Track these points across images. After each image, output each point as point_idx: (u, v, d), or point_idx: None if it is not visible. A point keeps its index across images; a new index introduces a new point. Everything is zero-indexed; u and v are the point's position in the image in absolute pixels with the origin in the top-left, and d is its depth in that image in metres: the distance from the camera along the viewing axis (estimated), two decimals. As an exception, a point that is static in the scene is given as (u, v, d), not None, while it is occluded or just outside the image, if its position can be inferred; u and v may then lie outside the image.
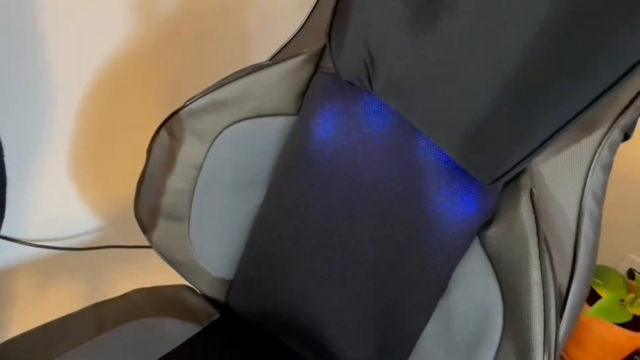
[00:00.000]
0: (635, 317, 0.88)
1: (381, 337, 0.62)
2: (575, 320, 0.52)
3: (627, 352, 0.92)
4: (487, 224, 0.52)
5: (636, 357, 0.98)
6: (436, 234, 0.56)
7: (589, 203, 0.50)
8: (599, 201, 0.51)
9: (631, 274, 1.04)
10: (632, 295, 0.90)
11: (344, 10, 0.54)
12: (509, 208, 0.50)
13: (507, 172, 0.48)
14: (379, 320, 0.62)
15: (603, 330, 0.89)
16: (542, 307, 0.46)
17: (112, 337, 0.67)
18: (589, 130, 0.49)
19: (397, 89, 0.53)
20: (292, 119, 0.64)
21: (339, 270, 0.64)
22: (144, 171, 0.67)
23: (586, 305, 0.86)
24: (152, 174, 0.67)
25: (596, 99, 0.43)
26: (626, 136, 0.50)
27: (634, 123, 0.49)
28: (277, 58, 0.66)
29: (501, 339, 0.49)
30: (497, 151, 0.48)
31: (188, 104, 0.62)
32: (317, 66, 0.61)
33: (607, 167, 0.51)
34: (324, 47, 0.59)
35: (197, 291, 0.77)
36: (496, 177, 0.48)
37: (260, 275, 0.72)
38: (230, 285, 0.75)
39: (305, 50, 0.61)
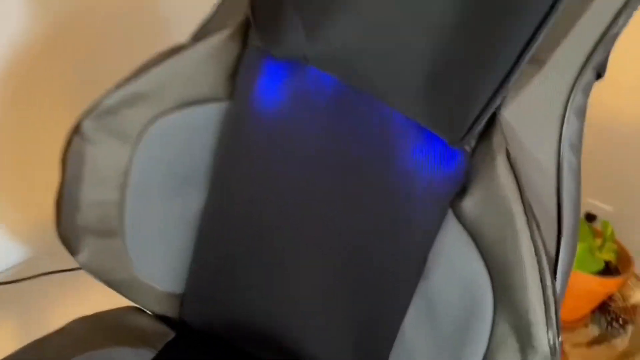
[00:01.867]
0: (605, 262, 0.86)
1: (358, 333, 0.56)
2: (566, 285, 0.48)
3: (600, 299, 0.91)
4: (461, 194, 0.46)
5: (608, 302, 0.97)
6: (404, 210, 0.50)
7: (567, 154, 0.46)
8: (577, 150, 0.47)
9: (589, 216, 1.02)
10: (599, 241, 0.88)
11: None
12: (485, 173, 0.44)
13: (476, 120, 0.42)
14: (352, 315, 0.56)
15: (575, 280, 0.87)
16: (538, 280, 0.41)
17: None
18: (558, 74, 0.44)
19: (338, 57, 0.46)
20: (226, 103, 0.56)
21: (302, 263, 0.58)
22: (60, 186, 0.58)
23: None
24: (71, 187, 0.58)
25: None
26: (598, 75, 0.45)
27: (606, 60, 0.45)
28: (198, 36, 0.57)
29: (494, 320, 0.44)
30: (460, 98, 0.42)
31: (101, 102, 0.53)
32: (245, 40, 0.53)
33: (582, 113, 0.46)
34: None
35: (146, 311, 0.69)
36: (464, 130, 0.43)
37: (216, 282, 0.65)
38: (182, 299, 0.67)
39: (229, 23, 0.53)
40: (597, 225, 0.96)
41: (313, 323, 0.59)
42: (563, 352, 0.88)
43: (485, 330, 0.45)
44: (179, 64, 0.53)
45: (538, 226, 0.43)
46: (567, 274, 0.47)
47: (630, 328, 0.94)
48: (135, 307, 0.69)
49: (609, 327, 0.93)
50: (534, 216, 0.43)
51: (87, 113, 0.54)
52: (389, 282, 0.52)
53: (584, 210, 1.05)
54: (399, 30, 0.43)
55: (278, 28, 0.47)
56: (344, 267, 0.55)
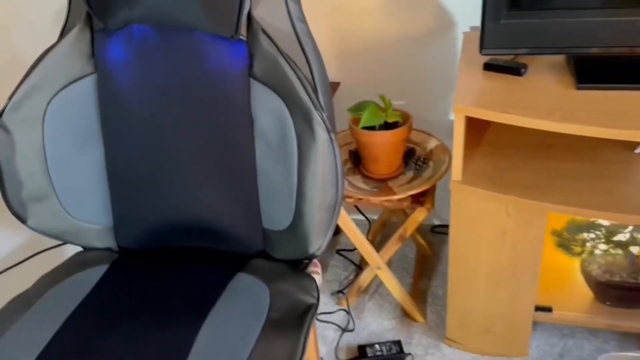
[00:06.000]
0: (395, 122, 1.24)
1: (233, 186, 0.86)
2: (329, 93, 0.82)
3: (402, 148, 1.28)
4: (252, 66, 0.79)
5: (414, 151, 1.36)
6: (226, 89, 0.80)
7: (297, 23, 0.80)
8: (302, 21, 0.81)
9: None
10: (384, 113, 1.26)
11: None
12: (257, 47, 0.77)
13: (238, 20, 0.75)
14: (225, 178, 0.85)
15: (379, 140, 1.24)
16: (304, 89, 0.75)
17: (42, 304, 0.81)
18: None
19: (148, 9, 0.77)
20: (94, 76, 0.84)
21: (183, 161, 0.85)
22: (0, 172, 0.81)
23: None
24: (8, 170, 0.81)
25: None
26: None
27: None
28: (63, 34, 0.84)
29: (294, 123, 0.77)
30: (223, 6, 0.75)
31: (10, 99, 0.79)
32: (92, 28, 0.82)
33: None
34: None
35: (93, 248, 0.93)
36: (234, 27, 0.75)
37: (133, 205, 0.90)
38: (115, 230, 0.92)
39: (77, 20, 0.81)
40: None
41: (204, 195, 0.87)
42: (392, 192, 1.24)
43: (292, 133, 0.77)
44: (54, 57, 0.80)
45: (296, 64, 0.77)
46: (325, 87, 0.81)
47: (430, 163, 1.33)
48: (84, 250, 0.93)
49: (417, 167, 1.32)
50: (292, 60, 0.77)
51: (3, 110, 0.79)
52: (235, 137, 0.83)
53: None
54: None
55: (107, 8, 0.77)
56: (208, 144, 0.83)
